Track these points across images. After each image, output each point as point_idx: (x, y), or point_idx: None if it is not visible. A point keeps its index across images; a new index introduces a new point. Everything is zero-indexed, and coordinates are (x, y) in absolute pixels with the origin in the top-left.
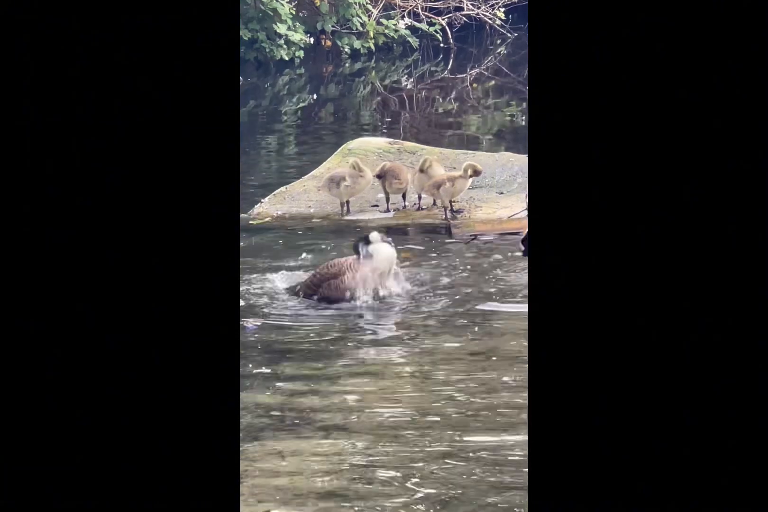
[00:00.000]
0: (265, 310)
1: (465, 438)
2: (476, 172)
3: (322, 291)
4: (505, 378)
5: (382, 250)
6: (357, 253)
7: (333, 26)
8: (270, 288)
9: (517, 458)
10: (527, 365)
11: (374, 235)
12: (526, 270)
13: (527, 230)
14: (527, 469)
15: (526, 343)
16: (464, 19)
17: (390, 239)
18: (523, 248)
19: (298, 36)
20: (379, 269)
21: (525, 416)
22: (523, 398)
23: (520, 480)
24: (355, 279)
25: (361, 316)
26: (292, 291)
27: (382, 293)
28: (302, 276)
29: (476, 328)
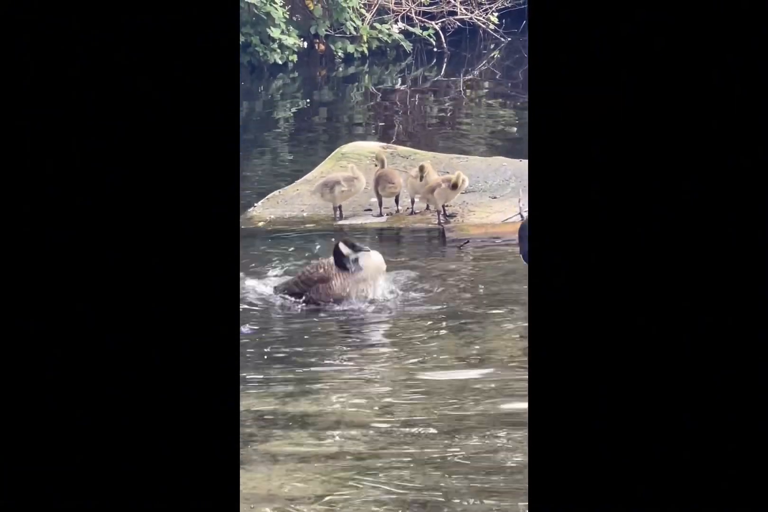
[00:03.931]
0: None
1: (460, 442)
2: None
3: (311, 295)
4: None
5: (370, 261)
6: (346, 269)
7: (326, 30)
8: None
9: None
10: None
11: (345, 248)
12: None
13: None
14: (527, 472)
15: None
16: (458, 23)
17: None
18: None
19: (291, 40)
20: (368, 278)
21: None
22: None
23: (519, 485)
24: (343, 286)
25: (351, 321)
26: (278, 289)
27: (371, 296)
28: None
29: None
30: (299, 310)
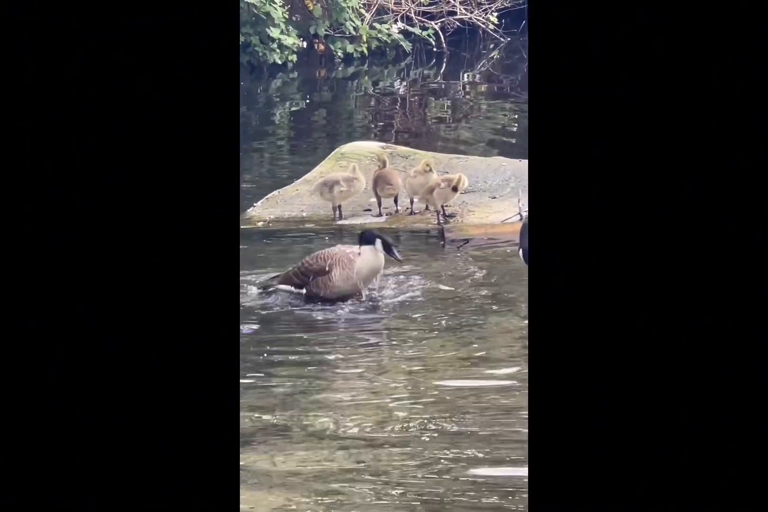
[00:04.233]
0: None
1: (459, 444)
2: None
3: (311, 288)
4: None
5: (369, 256)
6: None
7: (326, 30)
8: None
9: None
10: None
11: (379, 245)
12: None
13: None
14: (527, 473)
15: None
16: (457, 23)
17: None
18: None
19: (291, 40)
20: (362, 272)
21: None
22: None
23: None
24: (342, 278)
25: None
26: (275, 281)
27: (366, 293)
28: None
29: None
30: (300, 298)
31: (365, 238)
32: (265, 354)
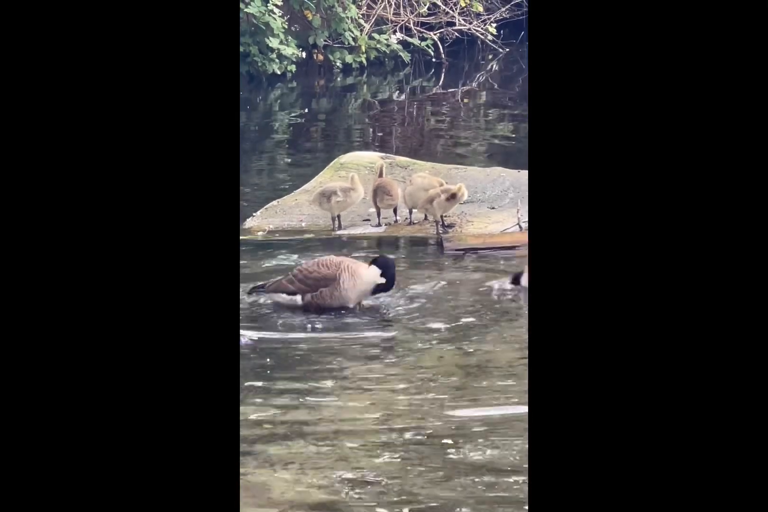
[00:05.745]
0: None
1: (460, 447)
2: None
3: (315, 301)
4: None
5: (374, 272)
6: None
7: (325, 40)
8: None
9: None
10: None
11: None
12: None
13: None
14: (527, 479)
15: None
16: (456, 34)
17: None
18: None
19: (290, 50)
20: (366, 283)
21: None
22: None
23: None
24: (350, 284)
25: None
26: (268, 288)
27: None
28: None
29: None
30: (297, 306)
31: (380, 262)
32: (268, 360)
